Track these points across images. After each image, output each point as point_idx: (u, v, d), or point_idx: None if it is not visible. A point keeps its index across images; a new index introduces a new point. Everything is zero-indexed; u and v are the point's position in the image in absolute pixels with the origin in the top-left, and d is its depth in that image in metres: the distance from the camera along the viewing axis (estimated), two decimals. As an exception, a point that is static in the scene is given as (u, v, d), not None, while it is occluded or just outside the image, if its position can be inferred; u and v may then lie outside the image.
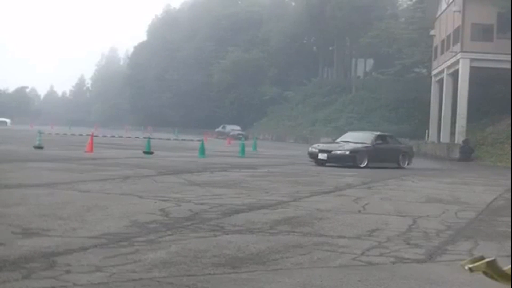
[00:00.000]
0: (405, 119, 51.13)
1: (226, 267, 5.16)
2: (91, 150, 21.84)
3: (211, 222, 7.48)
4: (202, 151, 23.03)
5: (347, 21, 59.48)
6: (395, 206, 10.19)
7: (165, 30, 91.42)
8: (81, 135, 30.86)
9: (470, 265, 1.92)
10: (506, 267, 1.97)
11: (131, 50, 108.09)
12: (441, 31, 42.47)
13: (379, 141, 22.92)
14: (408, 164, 23.39)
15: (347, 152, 21.41)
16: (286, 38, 71.12)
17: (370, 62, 67.37)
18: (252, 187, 12.27)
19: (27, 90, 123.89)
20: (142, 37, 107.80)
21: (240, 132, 56.21)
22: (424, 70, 52.95)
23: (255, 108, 71.30)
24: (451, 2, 38.78)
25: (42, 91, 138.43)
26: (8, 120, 71.27)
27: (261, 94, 70.64)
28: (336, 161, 21.17)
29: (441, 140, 40.35)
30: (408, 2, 62.06)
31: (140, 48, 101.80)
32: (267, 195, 10.89)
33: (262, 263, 5.38)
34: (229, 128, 59.02)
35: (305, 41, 76.08)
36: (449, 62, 38.60)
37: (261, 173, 16.53)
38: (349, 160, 21.17)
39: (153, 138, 27.45)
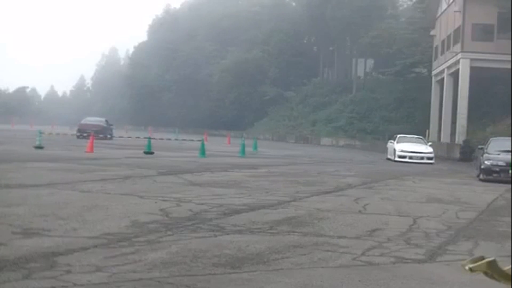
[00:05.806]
0: (406, 119, 51.08)
1: (227, 267, 5.16)
2: (92, 150, 21.84)
3: (212, 222, 7.47)
4: (203, 151, 23.04)
5: (347, 21, 59.42)
6: (395, 206, 10.18)
7: (165, 30, 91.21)
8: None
9: (471, 265, 1.92)
10: (506, 267, 1.97)
11: (131, 50, 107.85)
12: (441, 31, 42.43)
13: None
14: None
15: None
16: (286, 38, 71.03)
17: (371, 62, 67.20)
18: (252, 187, 12.26)
19: (27, 90, 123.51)
20: (142, 37, 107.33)
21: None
22: (425, 70, 52.82)
23: (255, 108, 71.16)
24: (452, 2, 38.73)
25: (42, 91, 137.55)
26: None
27: (261, 94, 70.49)
28: None
29: (442, 140, 40.30)
30: (408, 2, 62.02)
31: (140, 48, 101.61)
32: (267, 195, 10.88)
33: (263, 263, 5.38)
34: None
35: (305, 41, 76.01)
36: (449, 62, 38.57)
37: (262, 173, 16.52)
38: None
39: (154, 138, 27.44)
